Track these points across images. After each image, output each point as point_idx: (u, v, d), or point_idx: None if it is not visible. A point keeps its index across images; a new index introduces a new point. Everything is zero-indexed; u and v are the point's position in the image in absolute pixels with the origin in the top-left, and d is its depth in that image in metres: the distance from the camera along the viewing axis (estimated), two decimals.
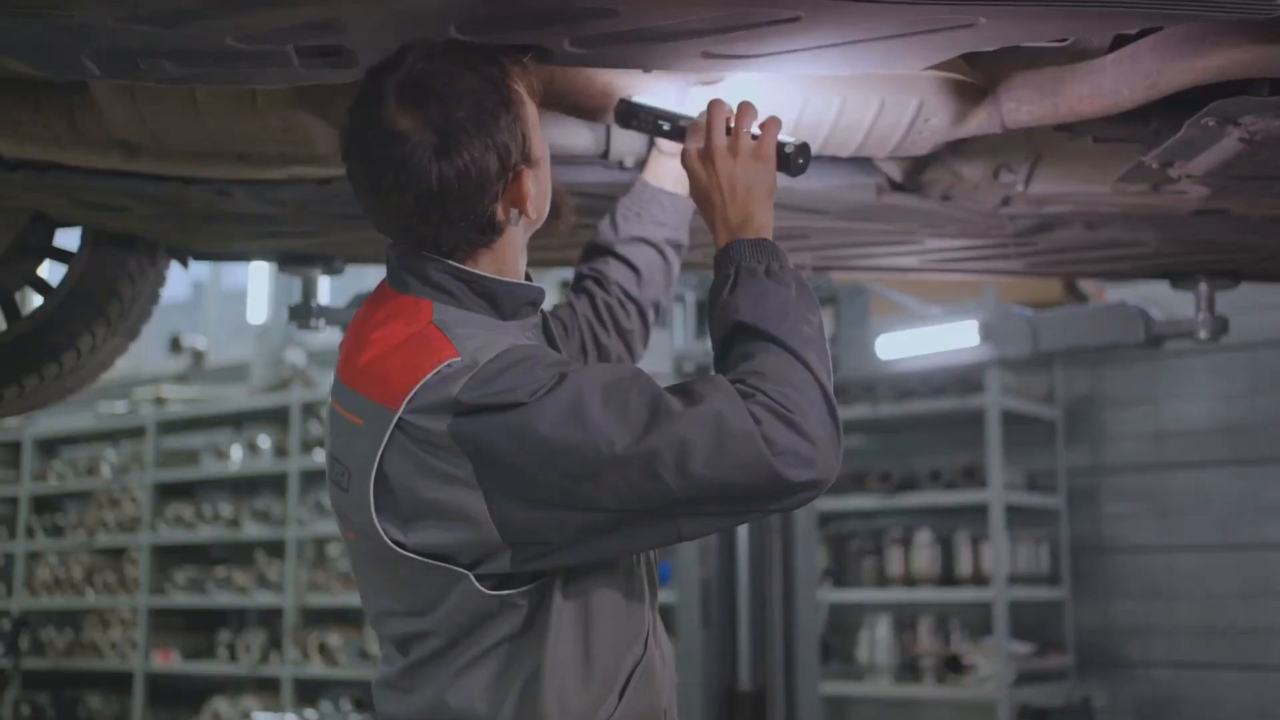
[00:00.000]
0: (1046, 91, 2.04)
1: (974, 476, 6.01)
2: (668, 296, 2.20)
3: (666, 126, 1.99)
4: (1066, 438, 6.27)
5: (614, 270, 2.11)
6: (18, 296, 2.95)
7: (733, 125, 1.82)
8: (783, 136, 1.87)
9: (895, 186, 2.51)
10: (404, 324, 1.63)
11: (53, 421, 9.25)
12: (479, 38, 1.71)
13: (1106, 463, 6.20)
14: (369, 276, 2.42)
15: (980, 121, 2.11)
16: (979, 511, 5.93)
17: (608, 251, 2.13)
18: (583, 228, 2.39)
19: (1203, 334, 3.14)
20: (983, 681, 5.71)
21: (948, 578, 6.09)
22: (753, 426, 1.49)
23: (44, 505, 9.33)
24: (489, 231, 1.67)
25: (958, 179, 2.49)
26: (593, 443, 1.47)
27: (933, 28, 1.70)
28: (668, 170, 2.17)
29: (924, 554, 6.09)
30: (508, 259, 1.71)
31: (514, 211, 1.68)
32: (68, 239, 3.02)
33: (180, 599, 8.19)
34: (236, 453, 8.12)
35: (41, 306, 2.87)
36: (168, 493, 8.51)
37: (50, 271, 3.02)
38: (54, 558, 8.96)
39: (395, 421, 1.54)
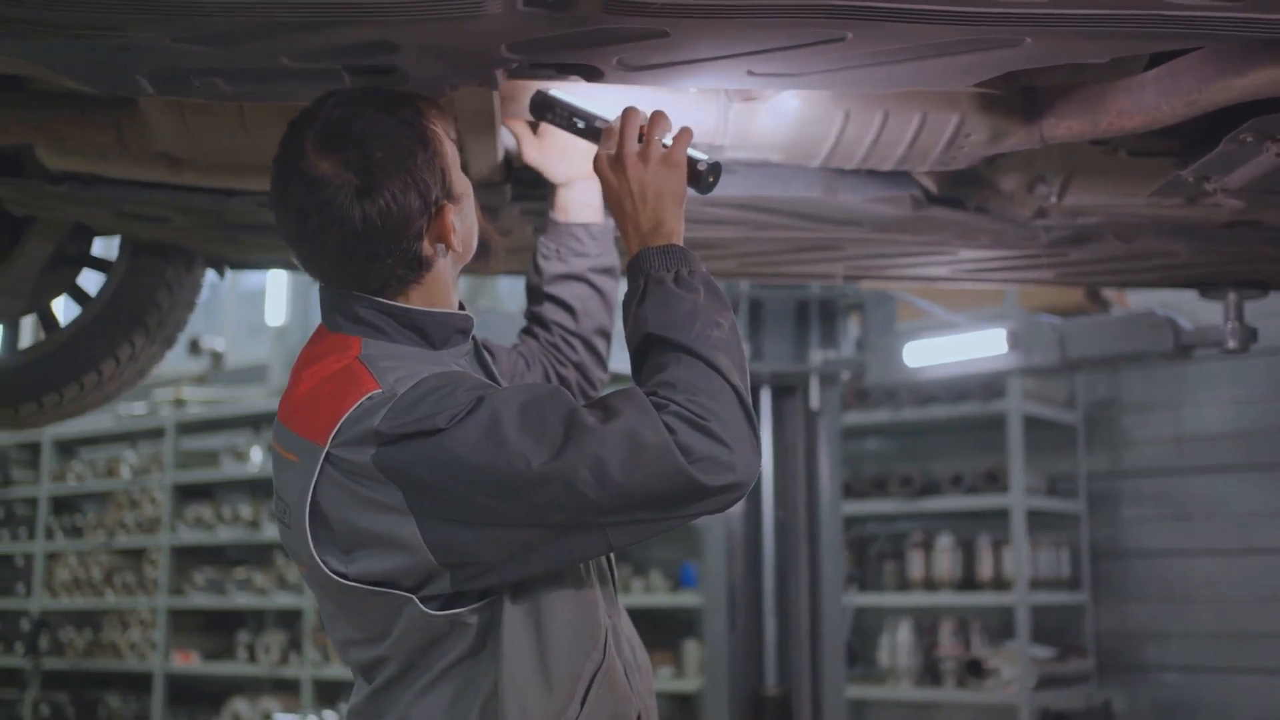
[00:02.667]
0: (1087, 107, 2.05)
1: (995, 481, 6.02)
2: (612, 316, 2.22)
3: (580, 124, 1.99)
4: (1087, 442, 6.28)
5: (548, 311, 2.14)
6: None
7: (645, 133, 1.84)
8: (697, 153, 1.89)
9: (931, 199, 2.52)
10: (332, 361, 1.67)
11: (72, 422, 9.21)
12: (530, 58, 1.74)
13: (1126, 467, 6.21)
14: None
15: (1020, 137, 2.12)
16: (1000, 516, 5.94)
17: (539, 294, 2.16)
18: None
19: (1232, 343, 3.15)
20: (1004, 685, 5.73)
21: (969, 582, 6.11)
22: (666, 437, 1.51)
23: (63, 506, 9.37)
24: (417, 268, 1.70)
25: (993, 191, 2.51)
26: (509, 463, 1.49)
27: (978, 47, 1.71)
28: (573, 201, 2.19)
29: (945, 558, 6.11)
30: (438, 293, 1.74)
31: (440, 246, 1.72)
32: (104, 248, 3.05)
33: (199, 600, 8.23)
34: (255, 454, 8.15)
35: (80, 316, 2.90)
36: (187, 494, 8.55)
37: (87, 280, 3.05)
38: (73, 558, 8.99)
39: (324, 456, 1.57)
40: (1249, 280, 3.08)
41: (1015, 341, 4.14)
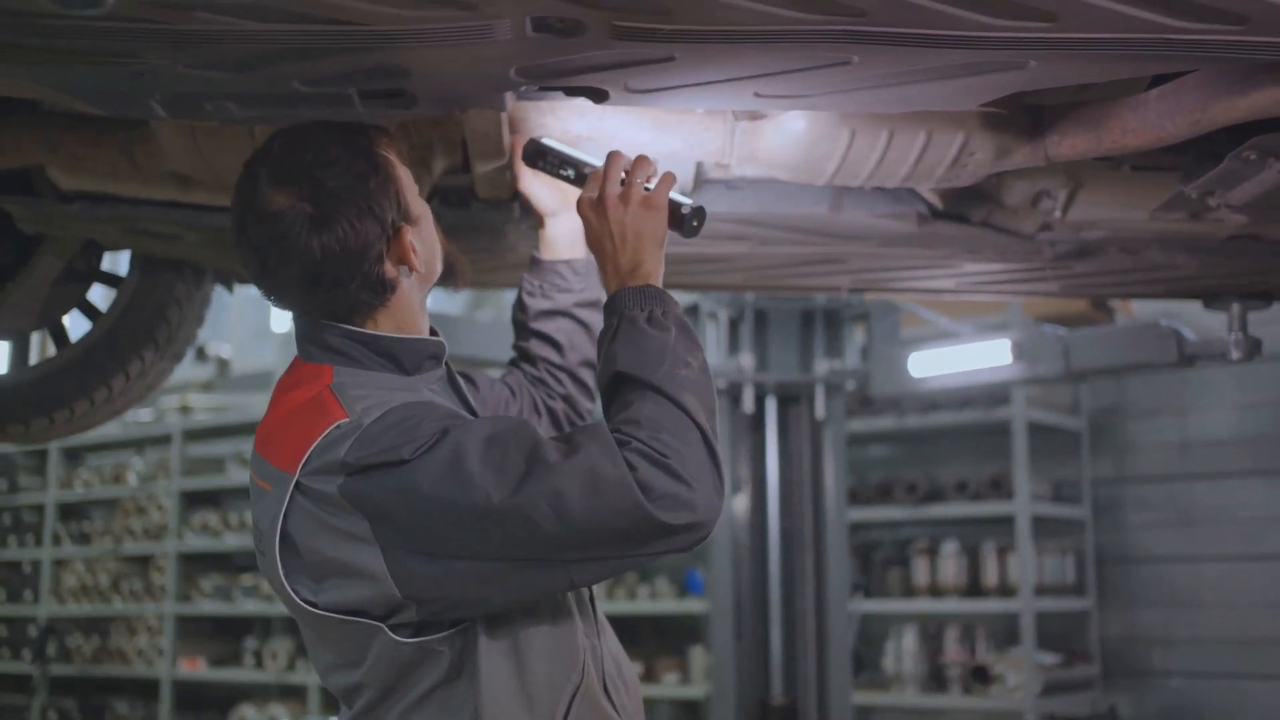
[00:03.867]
0: (1090, 125, 2.07)
1: (1000, 487, 6.03)
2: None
3: (570, 173, 2.04)
4: (1092, 448, 6.29)
5: (535, 347, 2.17)
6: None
7: (627, 176, 1.86)
8: (680, 197, 1.92)
9: (935, 214, 2.54)
10: (304, 390, 1.69)
11: None
12: (539, 83, 1.76)
13: (1131, 473, 6.22)
14: None
15: (1024, 155, 2.14)
16: (1005, 522, 5.96)
17: (525, 330, 2.19)
18: None
19: (1236, 354, 3.16)
20: (1009, 691, 5.74)
21: (974, 588, 6.12)
22: (627, 473, 1.51)
23: (70, 512, 9.40)
24: (381, 290, 1.72)
25: (998, 206, 2.53)
26: (470, 496, 1.51)
27: (982, 70, 1.73)
28: (560, 235, 2.21)
29: (950, 565, 6.13)
30: (406, 316, 1.77)
31: (403, 268, 1.74)
32: (114, 263, 3.06)
33: (206, 606, 8.25)
34: None
35: (91, 331, 2.92)
36: (194, 500, 8.58)
37: (97, 294, 3.06)
38: (81, 565, 9.03)
39: (294, 484, 1.59)
40: (1252, 292, 3.09)
41: (1020, 352, 4.16)
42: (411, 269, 1.74)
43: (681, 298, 5.32)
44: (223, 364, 9.19)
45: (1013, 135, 2.13)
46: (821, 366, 5.13)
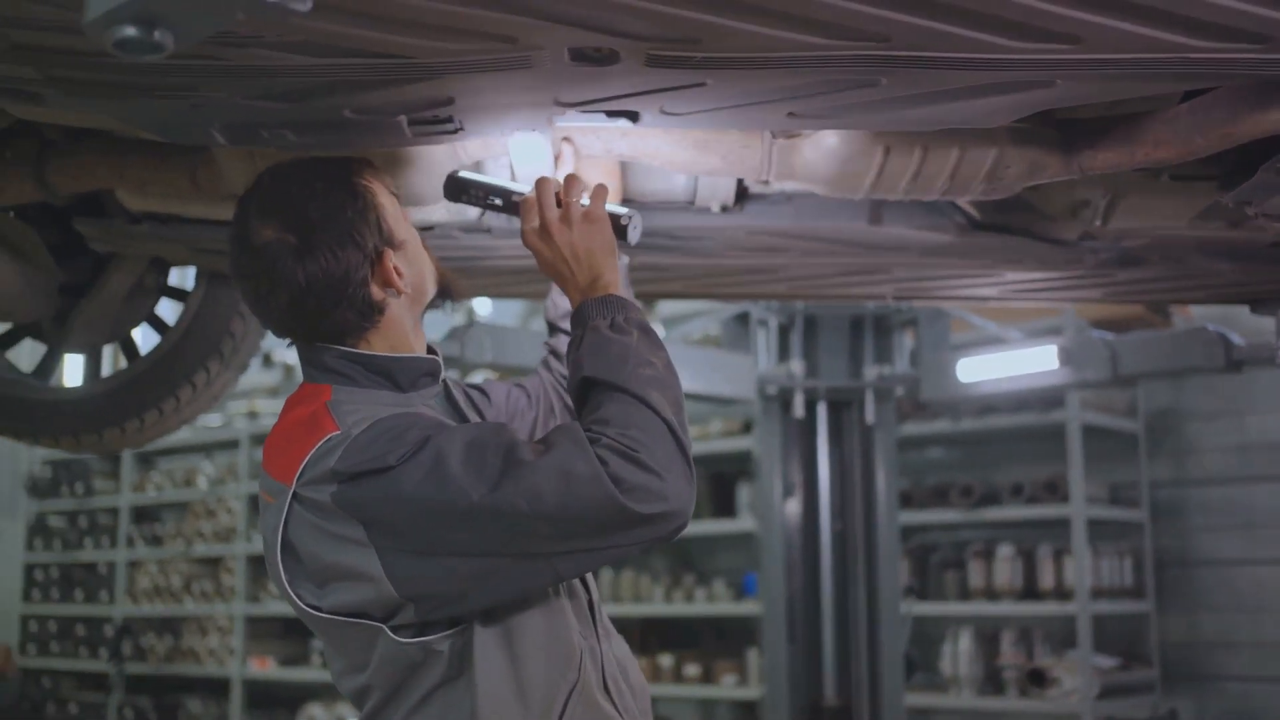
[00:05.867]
0: (1122, 139, 2.10)
1: (1056, 490, 6.01)
2: None
3: (498, 201, 2.07)
4: (1149, 451, 6.25)
5: (560, 344, 2.23)
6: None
7: (561, 197, 1.92)
8: (616, 208, 1.97)
9: (975, 225, 2.57)
10: (304, 408, 1.77)
11: None
12: (578, 108, 1.83)
13: (1190, 476, 6.17)
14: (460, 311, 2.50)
15: (1057, 169, 2.17)
16: (1061, 525, 5.94)
17: (553, 328, 2.27)
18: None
19: None
20: (1066, 694, 5.72)
21: (1030, 591, 6.11)
22: (599, 468, 1.58)
23: (143, 515, 9.62)
24: (370, 313, 1.79)
25: (1038, 216, 2.56)
26: (451, 496, 1.57)
27: (1010, 89, 1.77)
28: None
29: (1005, 567, 6.11)
30: (399, 336, 1.84)
31: (390, 290, 1.81)
32: (181, 277, 3.18)
33: (275, 607, 8.39)
34: None
35: (160, 344, 3.03)
36: None
37: (164, 309, 3.18)
38: (154, 566, 9.22)
39: (291, 495, 1.67)
40: None
41: (1067, 358, 4.16)
42: (399, 291, 1.81)
43: (729, 305, 5.37)
44: (288, 370, 9.35)
45: (1045, 149, 2.16)
46: (871, 372, 5.16)
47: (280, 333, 1.85)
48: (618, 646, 1.88)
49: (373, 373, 1.80)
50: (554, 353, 2.25)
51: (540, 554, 1.63)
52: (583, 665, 1.75)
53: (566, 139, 2.17)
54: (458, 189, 2.09)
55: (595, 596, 1.87)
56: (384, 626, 1.66)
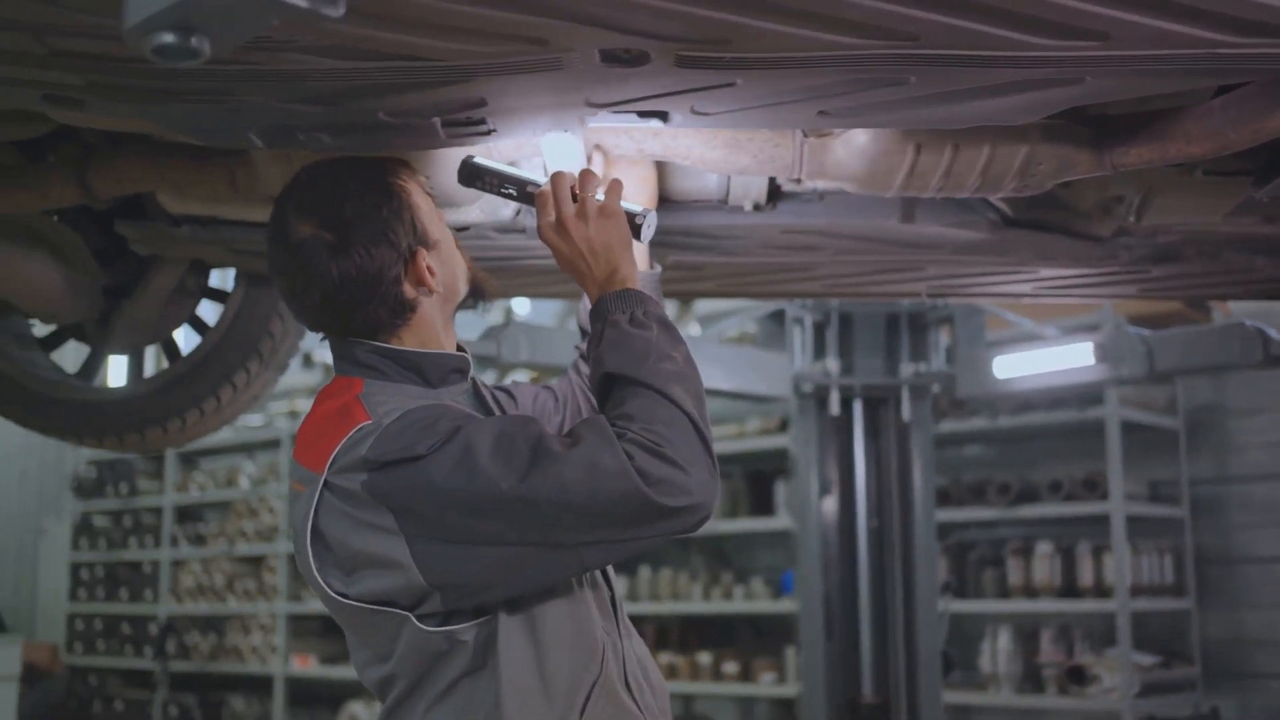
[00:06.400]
0: (1154, 135, 2.09)
1: (1095, 487, 5.98)
2: None
3: (511, 190, 2.08)
4: (1189, 447, 6.20)
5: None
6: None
7: (576, 191, 1.93)
8: (630, 205, 1.98)
9: (1008, 221, 2.57)
10: (336, 400, 1.80)
11: None
12: (609, 108, 1.85)
13: (1232, 472, 6.12)
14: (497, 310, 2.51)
15: (1089, 165, 2.17)
16: (1100, 522, 5.90)
17: (585, 332, 2.26)
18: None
19: None
20: (1106, 692, 5.69)
21: (1069, 588, 6.08)
22: (625, 462, 1.61)
23: (186, 515, 9.73)
24: (402, 311, 1.83)
25: (1071, 212, 2.55)
26: (480, 486, 1.60)
27: (1039, 86, 1.78)
28: None
29: (1044, 565, 6.09)
30: (429, 334, 1.87)
31: (422, 289, 1.84)
32: (222, 279, 3.22)
33: (316, 606, 8.38)
34: None
35: (200, 345, 3.07)
36: None
37: (205, 310, 3.23)
38: (197, 565, 9.32)
39: (322, 483, 1.69)
40: None
41: (1103, 354, 4.14)
42: (431, 290, 1.84)
43: (761, 303, 5.37)
44: (328, 370, 9.42)
45: (1077, 146, 2.16)
46: (907, 369, 5.15)
47: (314, 327, 1.89)
48: (638, 645, 1.90)
49: (403, 368, 1.83)
50: (584, 356, 2.27)
51: (567, 544, 1.65)
52: (605, 659, 1.77)
53: (597, 146, 2.19)
54: (471, 175, 2.10)
55: (617, 593, 1.89)
56: (410, 615, 1.68)
